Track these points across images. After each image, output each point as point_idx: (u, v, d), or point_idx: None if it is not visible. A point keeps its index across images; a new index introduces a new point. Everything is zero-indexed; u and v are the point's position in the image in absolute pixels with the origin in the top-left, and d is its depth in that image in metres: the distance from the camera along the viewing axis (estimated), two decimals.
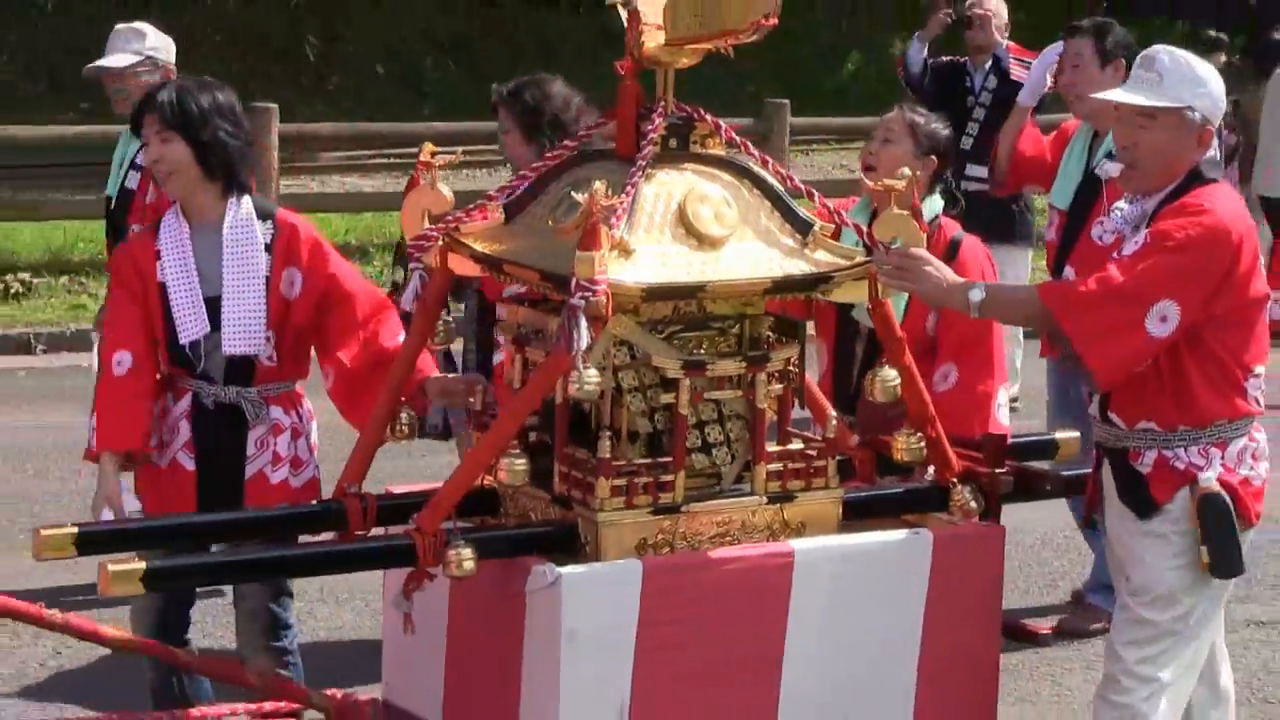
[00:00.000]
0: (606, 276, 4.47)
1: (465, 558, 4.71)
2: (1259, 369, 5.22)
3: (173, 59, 8.65)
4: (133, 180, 8.31)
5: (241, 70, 25.51)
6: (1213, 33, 19.39)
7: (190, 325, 5.93)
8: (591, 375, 4.46)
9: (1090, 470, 5.64)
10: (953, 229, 6.83)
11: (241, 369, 5.99)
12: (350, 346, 5.98)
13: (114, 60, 8.55)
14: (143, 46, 8.58)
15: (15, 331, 15.48)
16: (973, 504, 5.31)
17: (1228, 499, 5.06)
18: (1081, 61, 8.17)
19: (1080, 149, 8.09)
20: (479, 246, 5.10)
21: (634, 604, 4.69)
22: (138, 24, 9.46)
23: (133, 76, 8.38)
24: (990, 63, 12.26)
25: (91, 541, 5.02)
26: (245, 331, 5.90)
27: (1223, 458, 5.14)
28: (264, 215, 6.08)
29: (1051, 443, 6.32)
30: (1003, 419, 6.61)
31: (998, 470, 5.51)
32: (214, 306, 5.92)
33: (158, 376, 6.14)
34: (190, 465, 6.10)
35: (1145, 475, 5.18)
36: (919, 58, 12.71)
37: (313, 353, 6.15)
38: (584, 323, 4.43)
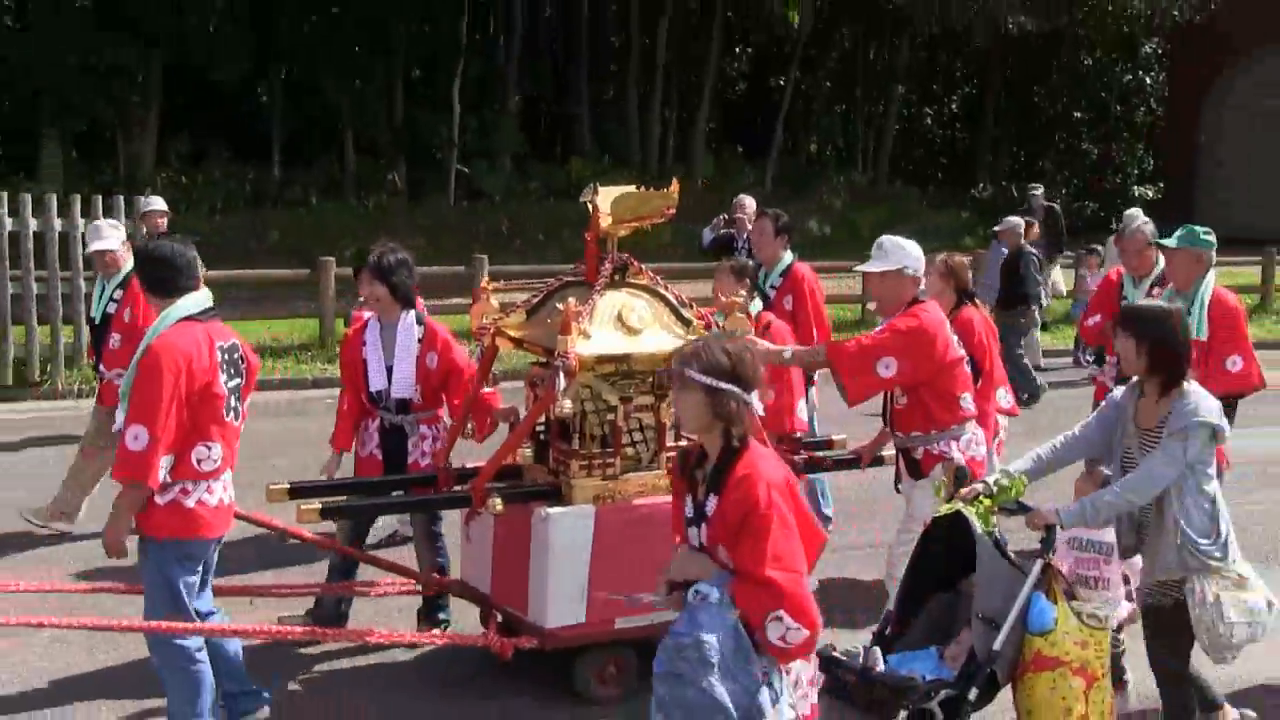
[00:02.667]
0: (575, 350, 6.93)
1: (497, 503, 7.24)
2: (965, 395, 7.68)
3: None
4: (112, 308, 10.46)
5: None
6: None
7: (375, 380, 8.40)
8: (566, 404, 7.06)
9: (850, 456, 8.35)
10: (766, 317, 9.05)
11: (403, 405, 8.38)
12: (458, 393, 8.24)
13: (103, 244, 10.72)
14: (119, 235, 10.79)
15: None
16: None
17: (965, 466, 7.15)
18: (764, 233, 10.54)
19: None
20: (512, 333, 7.65)
21: (589, 530, 7.13)
22: (112, 220, 12.31)
23: (112, 254, 10.68)
24: (745, 234, 13.94)
25: (300, 492, 7.59)
26: (404, 384, 8.33)
27: (958, 445, 7.66)
28: (419, 321, 8.42)
29: (828, 441, 8.79)
30: (803, 420, 8.94)
31: (791, 454, 7.89)
32: (390, 371, 8.38)
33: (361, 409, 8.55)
34: (379, 455, 8.52)
35: (919, 459, 7.71)
36: (710, 235, 15.05)
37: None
38: (563, 375, 7.00)
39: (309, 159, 34.17)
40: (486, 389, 8.18)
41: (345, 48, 34.22)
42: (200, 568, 6.77)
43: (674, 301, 7.56)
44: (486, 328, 7.75)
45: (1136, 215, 10.72)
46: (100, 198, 16.70)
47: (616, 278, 7.49)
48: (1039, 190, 22.88)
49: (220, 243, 24.47)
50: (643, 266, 7.65)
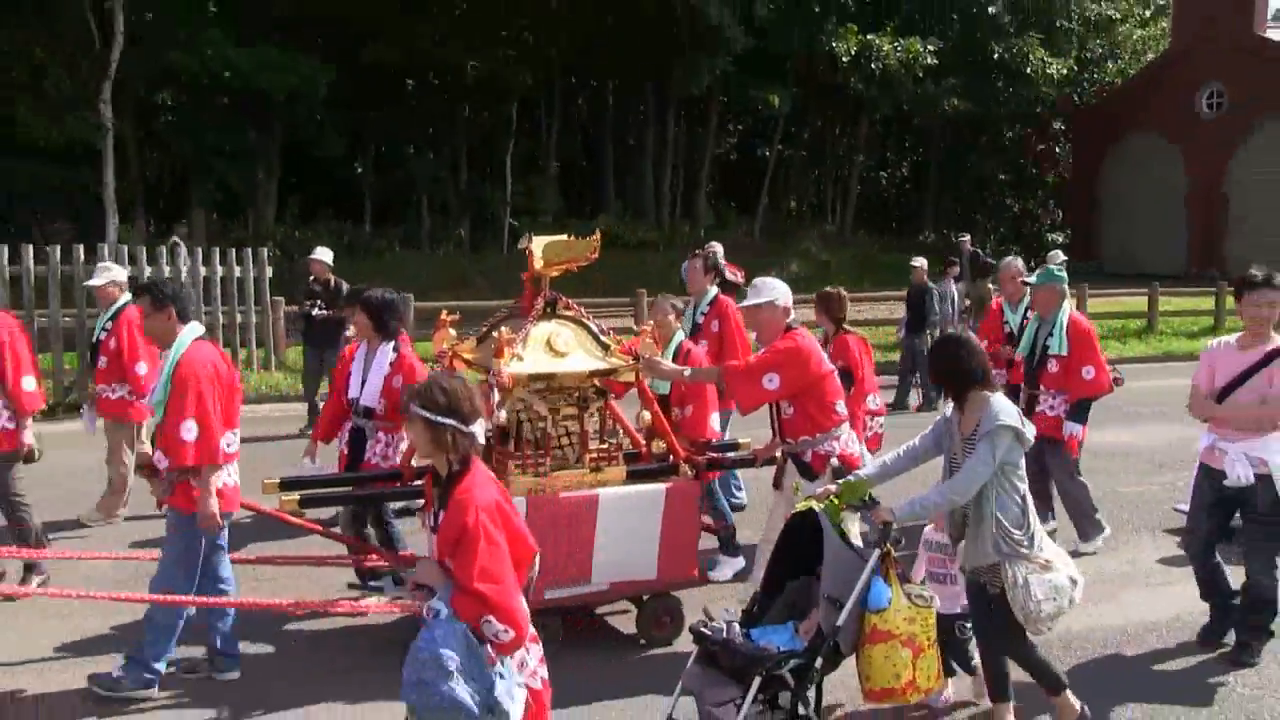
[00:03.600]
0: (508, 370, 6.72)
1: None
2: (838, 402, 7.40)
3: (123, 278, 10.12)
4: (102, 335, 9.76)
5: None
6: None
7: (353, 389, 8.23)
8: (501, 414, 6.84)
9: (747, 456, 7.99)
10: (686, 345, 8.99)
11: (368, 412, 8.16)
12: None
13: (95, 281, 10.06)
14: (112, 275, 10.06)
15: None
16: (689, 472, 7.42)
17: (839, 463, 7.25)
18: (696, 270, 10.21)
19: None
20: (466, 355, 7.33)
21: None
22: (109, 263, 11.67)
23: (102, 289, 9.92)
24: None
25: (289, 485, 7.25)
26: (370, 396, 8.13)
27: (840, 444, 7.36)
28: (395, 349, 8.21)
29: (735, 444, 8.44)
30: (715, 428, 8.61)
31: (699, 456, 7.64)
32: (364, 384, 8.21)
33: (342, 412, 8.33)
34: (345, 450, 8.32)
35: (809, 461, 7.36)
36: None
37: None
38: (496, 391, 6.83)
39: (392, 217, 34.28)
40: None
41: (421, 129, 34.49)
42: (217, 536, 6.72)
43: (595, 330, 7.28)
44: (445, 352, 7.52)
45: (1016, 260, 10.66)
46: (234, 250, 17.35)
47: (548, 310, 7.22)
48: (965, 237, 22.59)
49: None
50: (570, 301, 7.36)
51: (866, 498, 5.97)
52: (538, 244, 7.27)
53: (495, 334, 7.03)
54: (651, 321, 8.58)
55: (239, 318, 17.89)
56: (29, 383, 7.94)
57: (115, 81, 27.79)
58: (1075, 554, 8.63)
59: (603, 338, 7.25)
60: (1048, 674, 5.99)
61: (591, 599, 7.23)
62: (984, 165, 43.62)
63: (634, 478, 7.31)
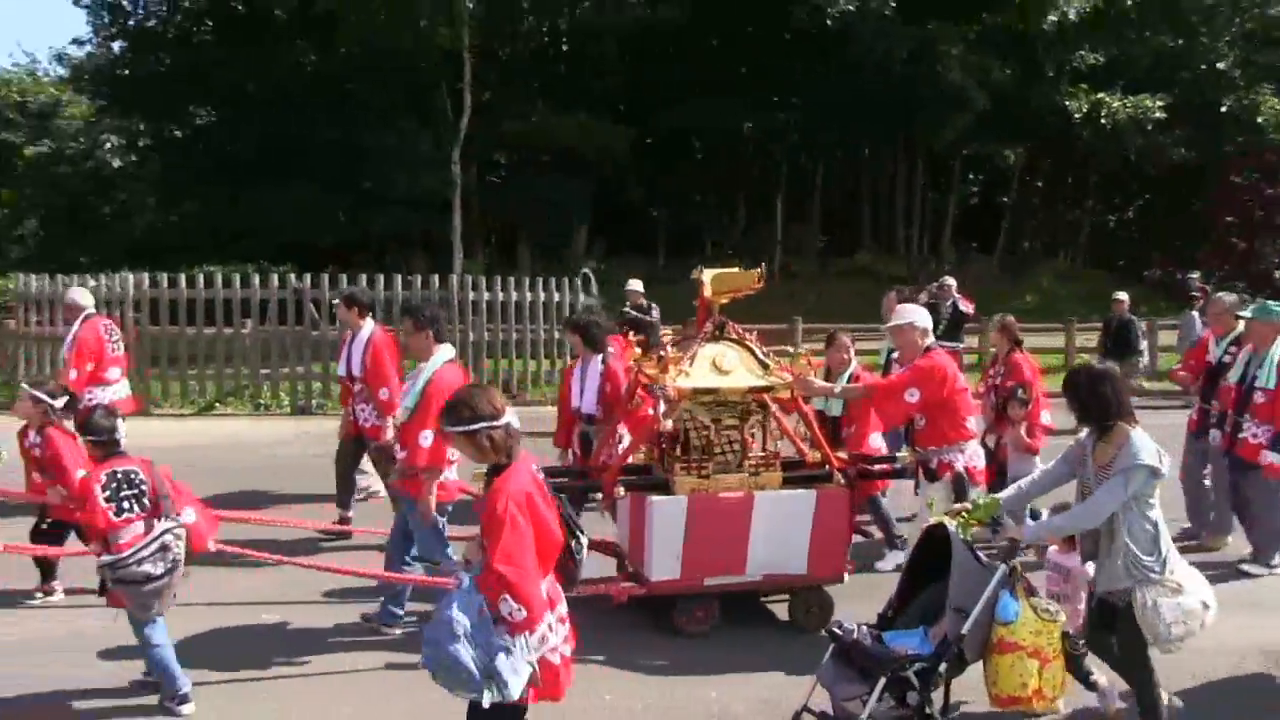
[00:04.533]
0: (674, 384, 6.45)
1: (620, 490, 6.80)
2: (969, 419, 6.84)
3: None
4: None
5: None
6: None
7: (574, 400, 8.06)
8: (668, 423, 6.63)
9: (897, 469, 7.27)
10: (860, 372, 8.41)
11: (589, 418, 7.99)
12: (617, 413, 7.82)
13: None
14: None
15: None
16: (841, 480, 6.93)
17: (965, 474, 6.70)
18: (892, 303, 9.62)
19: None
20: (649, 371, 6.93)
21: (682, 513, 6.52)
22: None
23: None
24: (950, 301, 13.39)
25: None
26: (589, 404, 7.97)
27: (963, 457, 6.77)
28: (604, 362, 7.97)
29: (894, 457, 7.59)
30: (875, 444, 8.05)
31: (855, 467, 7.13)
32: (583, 393, 8.05)
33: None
34: (579, 451, 8.10)
35: (934, 467, 6.82)
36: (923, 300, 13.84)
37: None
38: (663, 402, 6.54)
39: (682, 254, 34.19)
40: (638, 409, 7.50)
41: (706, 178, 34.61)
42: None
43: (758, 352, 6.84)
44: (630, 368, 7.35)
45: (1228, 295, 9.55)
46: (554, 279, 17.82)
47: (717, 333, 6.83)
48: (1195, 275, 21.03)
49: None
50: (736, 326, 6.94)
51: (997, 516, 5.37)
52: (708, 275, 6.93)
53: (664, 353, 6.77)
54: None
55: (556, 334, 17.99)
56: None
57: (463, 145, 28.92)
58: (1241, 573, 8.00)
59: (764, 359, 6.81)
60: (1154, 709, 5.26)
61: (746, 588, 6.81)
62: (1210, 208, 40.26)
63: (790, 483, 6.85)
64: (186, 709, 5.57)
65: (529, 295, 17.45)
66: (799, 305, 27.12)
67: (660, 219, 35.38)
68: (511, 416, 4.02)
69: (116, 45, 33.23)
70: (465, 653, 3.73)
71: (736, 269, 7.13)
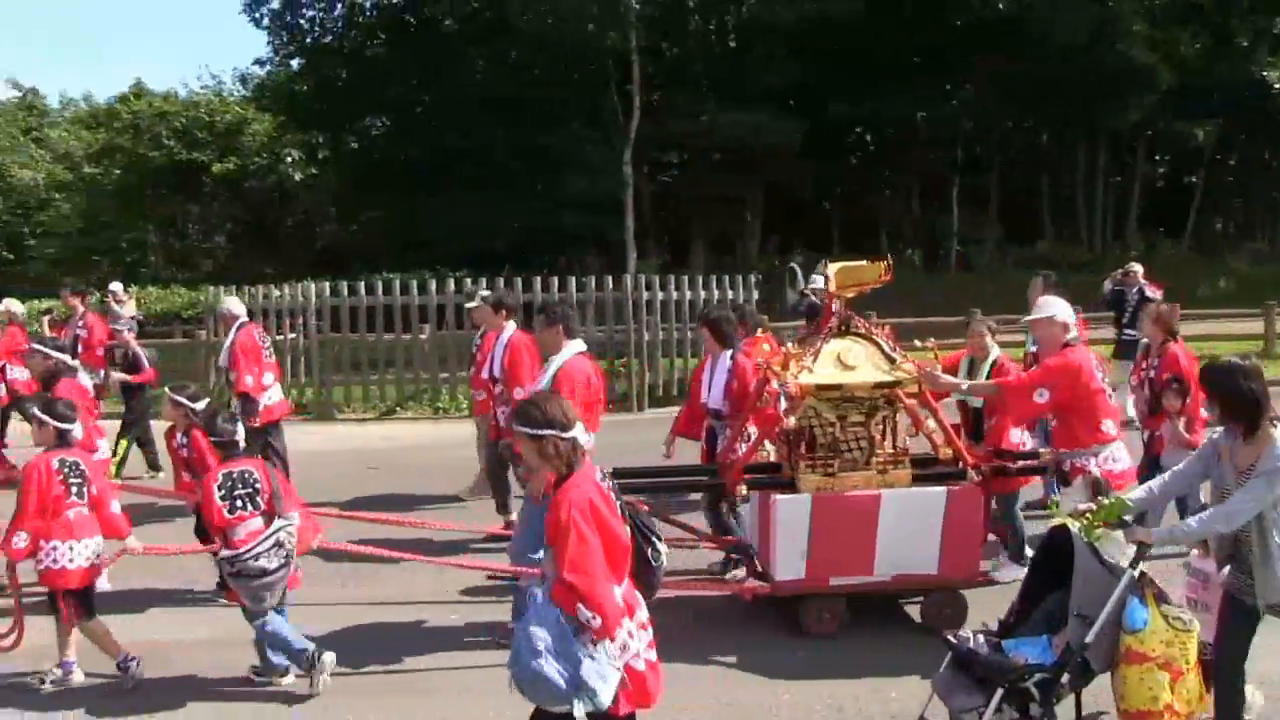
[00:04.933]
0: (797, 380, 6.35)
1: (743, 489, 6.68)
2: (1107, 421, 6.46)
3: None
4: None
5: None
6: None
7: (703, 395, 7.87)
8: (791, 420, 6.51)
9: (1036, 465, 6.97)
10: (1005, 359, 7.85)
11: (716, 413, 7.79)
12: (744, 409, 7.52)
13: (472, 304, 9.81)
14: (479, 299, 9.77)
15: None
16: (975, 477, 6.66)
17: (1100, 477, 6.21)
18: (1037, 290, 8.97)
19: None
20: (776, 367, 6.78)
21: (807, 511, 6.39)
22: (486, 291, 11.23)
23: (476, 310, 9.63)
24: (1137, 288, 12.88)
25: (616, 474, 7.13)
26: (716, 399, 7.72)
27: (1096, 460, 6.44)
28: (732, 358, 7.73)
29: (1036, 453, 7.32)
30: (1016, 438, 7.51)
31: (990, 463, 6.85)
32: (710, 388, 7.92)
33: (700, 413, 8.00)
34: (706, 447, 7.98)
35: (1067, 470, 6.55)
36: (1109, 286, 13.57)
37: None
38: (784, 398, 6.43)
39: (856, 246, 33.67)
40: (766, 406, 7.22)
41: (879, 170, 33.98)
42: None
43: (885, 347, 6.63)
44: (759, 365, 7.22)
45: None
46: (727, 277, 17.44)
47: (843, 329, 6.66)
48: None
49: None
50: (862, 320, 6.76)
51: (1125, 518, 4.98)
52: (833, 269, 6.76)
53: (785, 349, 6.64)
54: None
55: None
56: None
57: (634, 147, 29.22)
58: None
59: (892, 354, 6.59)
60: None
61: (875, 588, 6.60)
62: None
63: (921, 480, 6.64)
64: (287, 680, 6.01)
65: (702, 294, 17.31)
66: (975, 297, 26.50)
67: (833, 212, 35.00)
68: (579, 431, 3.99)
69: (295, 63, 34.69)
70: (549, 667, 3.72)
71: (864, 262, 6.92)
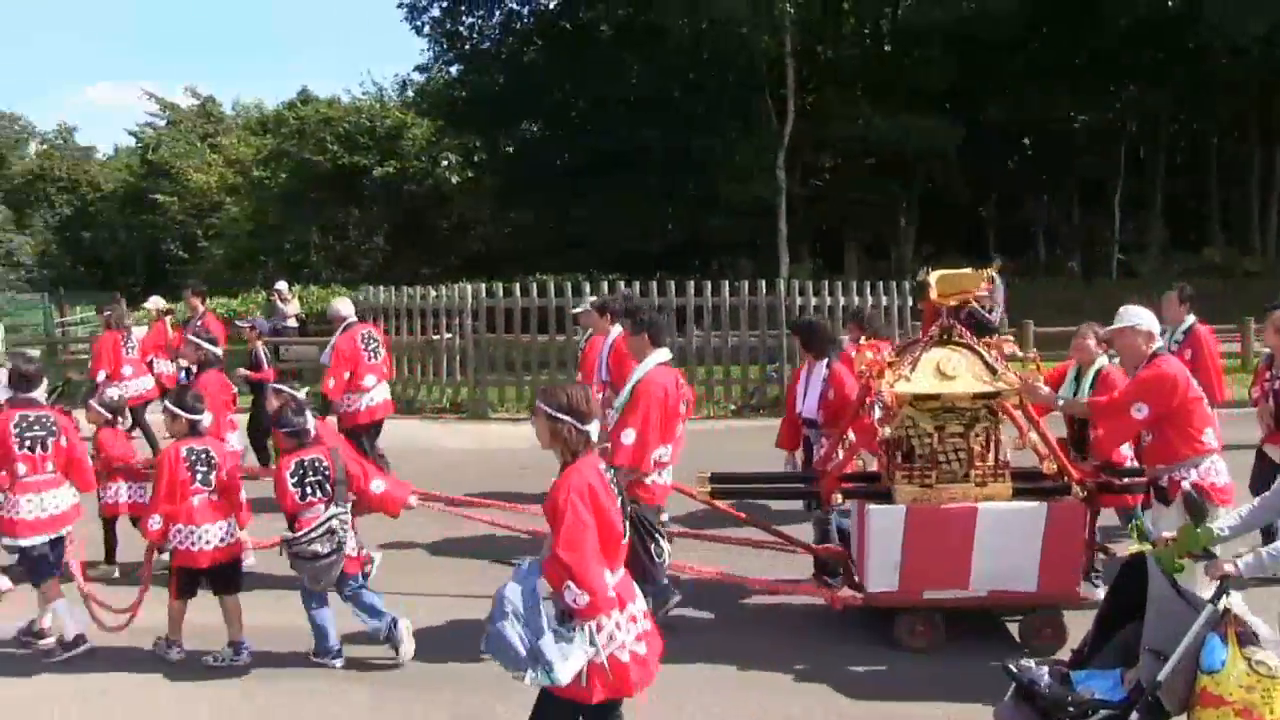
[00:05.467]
0: (893, 389, 6.27)
1: (838, 497, 6.66)
2: (1207, 431, 6.12)
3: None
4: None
5: None
6: None
7: (799, 403, 7.93)
8: (886, 430, 6.44)
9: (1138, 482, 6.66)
10: (1110, 370, 7.40)
11: (811, 422, 7.87)
12: (844, 418, 7.51)
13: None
14: (585, 304, 9.80)
15: None
16: (1080, 493, 6.48)
17: (1198, 490, 5.85)
18: (1172, 302, 9.01)
19: None
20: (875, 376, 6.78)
21: (901, 522, 6.33)
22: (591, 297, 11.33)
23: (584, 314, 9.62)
24: None
25: (716, 479, 7.10)
26: (810, 409, 7.79)
27: (1197, 472, 6.06)
28: (828, 367, 7.78)
29: (1140, 470, 6.88)
30: (1121, 454, 7.15)
31: (1096, 479, 6.66)
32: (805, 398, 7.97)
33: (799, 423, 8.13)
34: (802, 454, 8.05)
35: (1165, 486, 6.17)
36: None
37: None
38: (879, 408, 6.36)
39: (1011, 252, 32.95)
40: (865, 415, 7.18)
41: (1037, 175, 33.05)
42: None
43: (987, 357, 6.50)
44: (863, 373, 7.01)
45: None
46: (881, 282, 17.28)
47: (943, 337, 6.58)
48: None
49: None
50: (964, 329, 6.65)
51: (1208, 548, 4.71)
52: (934, 277, 6.68)
53: (880, 357, 6.60)
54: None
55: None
56: None
57: (787, 151, 29.10)
58: None
59: (993, 364, 6.46)
60: None
61: (970, 604, 6.48)
62: None
63: (1022, 494, 6.49)
64: (337, 662, 6.43)
65: (856, 299, 17.06)
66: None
67: (989, 217, 34.21)
68: (594, 427, 4.14)
69: (454, 69, 35.58)
70: (511, 630, 3.86)
71: (967, 270, 6.84)
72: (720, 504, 7.17)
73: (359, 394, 9.53)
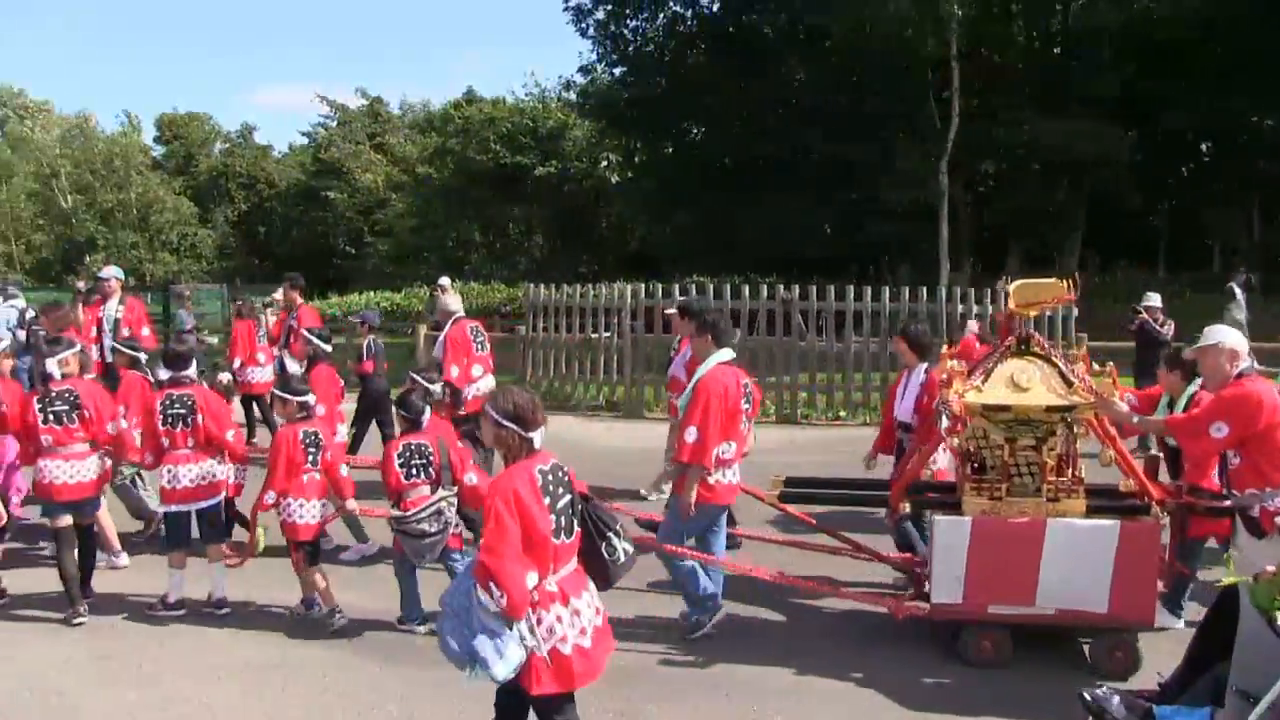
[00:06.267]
0: (962, 399, 6.17)
1: (905, 505, 6.66)
2: None
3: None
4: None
5: None
6: None
7: (896, 407, 7.95)
8: (953, 440, 6.37)
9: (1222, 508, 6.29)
10: (1203, 395, 6.92)
11: (906, 426, 7.82)
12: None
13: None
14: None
15: None
16: (1161, 514, 6.32)
17: None
18: None
19: None
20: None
21: (965, 535, 6.25)
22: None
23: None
24: None
25: (790, 483, 7.30)
26: (905, 412, 7.77)
27: None
28: (925, 371, 7.73)
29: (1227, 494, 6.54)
30: (1213, 480, 6.72)
31: (1182, 500, 6.46)
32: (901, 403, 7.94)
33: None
34: (895, 461, 8.03)
35: (1256, 516, 5.90)
36: None
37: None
38: (944, 418, 6.28)
39: (1184, 264, 31.61)
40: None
41: (1212, 185, 31.62)
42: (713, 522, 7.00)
43: (1063, 368, 6.35)
44: (943, 380, 6.86)
45: None
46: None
47: (1020, 348, 6.45)
48: None
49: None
50: (1043, 340, 6.51)
51: None
52: (1014, 286, 6.54)
53: (949, 366, 6.49)
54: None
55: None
56: None
57: (950, 155, 28.60)
58: None
59: (1070, 376, 6.31)
60: None
61: (1037, 621, 6.31)
62: None
63: (1098, 512, 6.33)
64: (421, 628, 6.95)
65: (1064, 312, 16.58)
66: None
67: (1161, 227, 32.87)
68: (538, 434, 4.26)
69: (616, 71, 36.04)
70: (449, 631, 4.05)
71: (1051, 279, 6.68)
72: (791, 508, 7.22)
73: (467, 384, 9.79)
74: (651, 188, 36.22)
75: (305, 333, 9.90)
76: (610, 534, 4.38)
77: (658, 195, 35.54)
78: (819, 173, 30.65)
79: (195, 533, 7.50)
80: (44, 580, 7.89)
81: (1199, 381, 7.12)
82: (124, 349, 8.90)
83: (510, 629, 4.02)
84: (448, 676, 4.68)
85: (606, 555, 4.36)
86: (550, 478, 4.21)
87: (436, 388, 7.83)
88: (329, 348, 9.43)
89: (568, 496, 4.27)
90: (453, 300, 10.47)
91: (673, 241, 36.09)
